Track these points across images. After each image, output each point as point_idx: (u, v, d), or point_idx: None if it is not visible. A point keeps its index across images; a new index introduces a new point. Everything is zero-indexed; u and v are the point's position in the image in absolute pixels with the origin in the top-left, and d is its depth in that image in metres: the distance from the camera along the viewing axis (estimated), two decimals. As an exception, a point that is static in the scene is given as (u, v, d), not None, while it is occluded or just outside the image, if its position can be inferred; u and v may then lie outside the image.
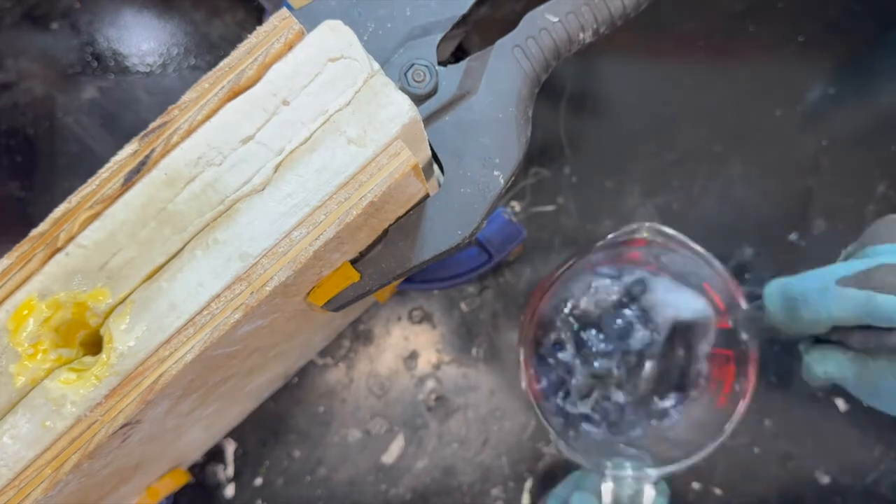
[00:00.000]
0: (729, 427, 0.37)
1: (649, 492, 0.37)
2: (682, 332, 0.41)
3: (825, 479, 0.45)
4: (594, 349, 0.42)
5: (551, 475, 0.45)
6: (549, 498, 0.40)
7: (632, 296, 0.42)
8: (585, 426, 0.42)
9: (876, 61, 0.49)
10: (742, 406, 0.38)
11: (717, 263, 0.39)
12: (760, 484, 0.45)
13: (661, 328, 0.41)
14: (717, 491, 0.45)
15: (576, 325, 0.43)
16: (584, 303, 0.43)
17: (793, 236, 0.47)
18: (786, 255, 0.47)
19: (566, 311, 0.43)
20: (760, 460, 0.45)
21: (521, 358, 0.40)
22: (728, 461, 0.45)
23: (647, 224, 0.39)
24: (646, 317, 0.42)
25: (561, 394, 0.43)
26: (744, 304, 0.37)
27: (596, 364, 0.42)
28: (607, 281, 0.43)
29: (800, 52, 0.49)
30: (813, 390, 0.45)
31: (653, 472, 0.37)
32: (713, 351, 0.42)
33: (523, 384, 0.40)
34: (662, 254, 0.41)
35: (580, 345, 0.43)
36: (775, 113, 0.48)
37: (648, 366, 0.42)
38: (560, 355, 0.43)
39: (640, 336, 0.41)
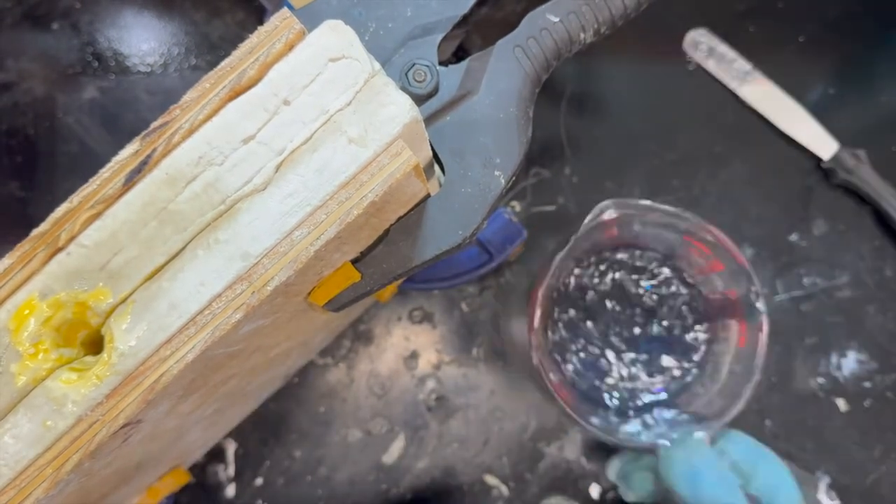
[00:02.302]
0: (759, 361, 0.38)
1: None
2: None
3: (825, 480, 0.45)
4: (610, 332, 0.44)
5: (551, 475, 0.45)
6: (611, 467, 0.41)
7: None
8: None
9: (876, 62, 0.49)
10: (762, 338, 0.38)
11: (688, 214, 0.39)
12: (761, 484, 0.45)
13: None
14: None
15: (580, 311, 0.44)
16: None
17: (793, 236, 0.47)
18: (786, 255, 0.47)
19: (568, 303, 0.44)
20: (761, 460, 0.45)
21: (536, 361, 0.40)
22: (728, 461, 0.45)
23: (611, 201, 0.39)
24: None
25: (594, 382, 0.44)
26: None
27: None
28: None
29: (800, 52, 0.49)
30: (814, 390, 0.46)
31: (702, 432, 0.37)
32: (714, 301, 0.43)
33: (550, 386, 0.40)
34: (634, 224, 0.41)
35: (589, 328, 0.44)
36: (776, 113, 0.48)
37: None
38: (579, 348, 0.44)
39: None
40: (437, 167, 0.25)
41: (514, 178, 0.26)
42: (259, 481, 0.45)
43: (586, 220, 0.39)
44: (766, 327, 0.39)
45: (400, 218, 0.24)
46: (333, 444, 0.45)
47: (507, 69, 0.26)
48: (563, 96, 0.48)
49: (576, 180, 0.48)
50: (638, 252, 0.44)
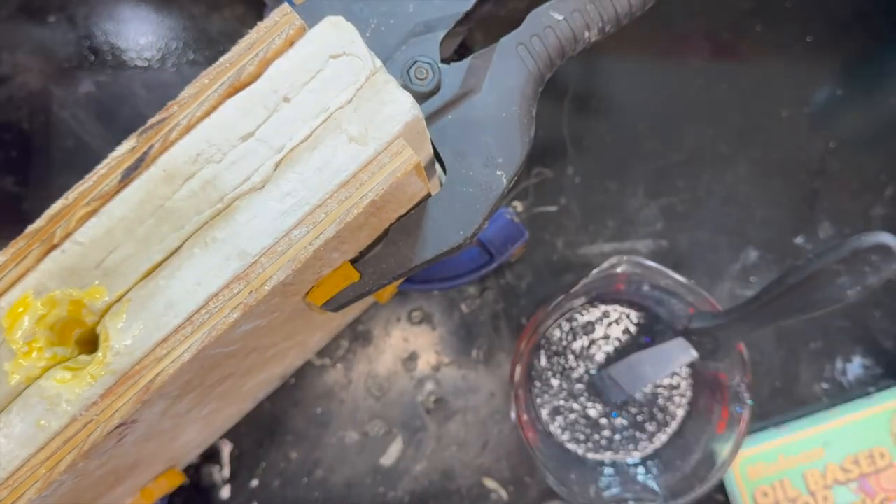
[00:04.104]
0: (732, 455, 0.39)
1: None
2: None
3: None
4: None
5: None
6: None
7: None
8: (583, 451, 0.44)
9: (885, 62, 0.49)
10: (741, 430, 0.39)
11: (700, 289, 0.40)
12: (762, 489, 0.44)
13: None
14: (720, 497, 0.44)
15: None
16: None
17: (799, 239, 0.47)
18: (791, 258, 0.47)
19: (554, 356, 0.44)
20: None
21: (514, 393, 0.41)
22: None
23: (625, 257, 0.39)
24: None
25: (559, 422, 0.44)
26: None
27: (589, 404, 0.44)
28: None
29: (808, 52, 0.49)
30: (818, 395, 0.45)
31: None
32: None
33: (512, 415, 0.40)
34: (644, 284, 0.42)
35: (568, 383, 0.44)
36: (782, 114, 0.48)
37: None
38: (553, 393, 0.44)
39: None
40: (438, 166, 0.25)
41: (516, 178, 0.25)
42: (254, 483, 0.45)
43: (595, 270, 0.39)
44: (745, 421, 0.39)
45: (400, 217, 0.23)
46: (330, 446, 0.45)
47: (510, 67, 0.26)
48: (566, 95, 0.48)
49: (579, 180, 0.47)
50: (640, 312, 0.44)
